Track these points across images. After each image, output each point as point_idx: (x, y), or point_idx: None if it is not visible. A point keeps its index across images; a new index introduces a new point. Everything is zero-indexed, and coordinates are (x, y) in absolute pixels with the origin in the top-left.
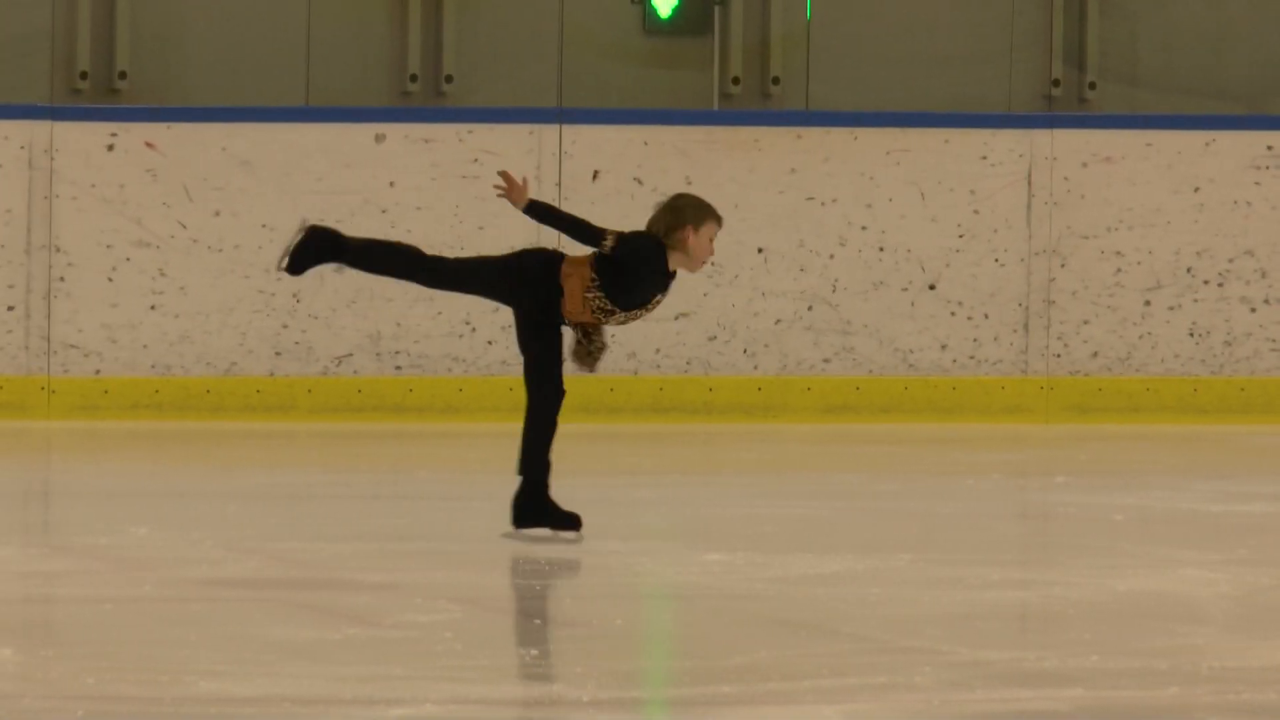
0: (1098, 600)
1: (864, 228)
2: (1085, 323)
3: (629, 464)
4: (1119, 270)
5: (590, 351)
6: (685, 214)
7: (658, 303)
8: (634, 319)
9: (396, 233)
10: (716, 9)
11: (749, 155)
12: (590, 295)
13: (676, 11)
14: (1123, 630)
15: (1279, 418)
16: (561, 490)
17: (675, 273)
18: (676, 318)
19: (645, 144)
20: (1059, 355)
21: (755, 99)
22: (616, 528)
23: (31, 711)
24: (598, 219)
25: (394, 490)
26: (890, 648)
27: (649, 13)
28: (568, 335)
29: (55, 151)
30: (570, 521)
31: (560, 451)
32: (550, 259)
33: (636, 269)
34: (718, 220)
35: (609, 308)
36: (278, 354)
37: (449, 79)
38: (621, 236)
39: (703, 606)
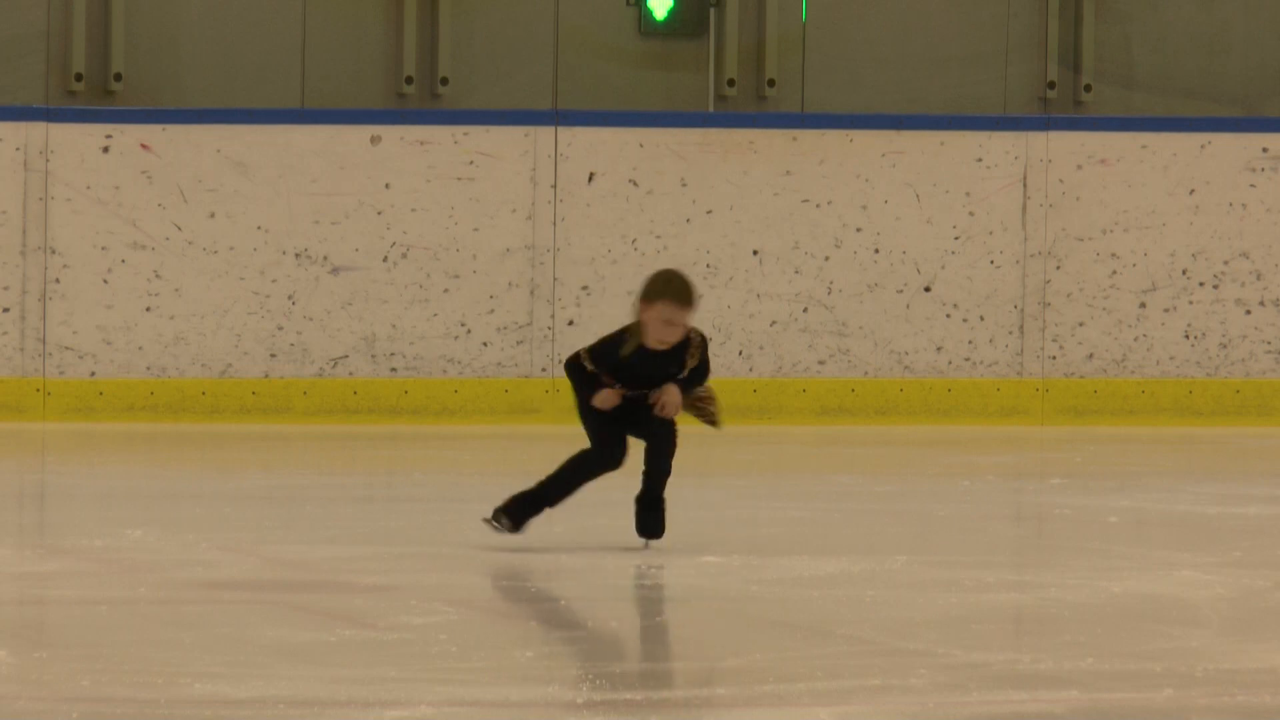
0: (1093, 602)
1: (859, 230)
2: (1080, 325)
3: (626, 466)
4: (1114, 272)
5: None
6: (645, 289)
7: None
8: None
9: (392, 234)
10: (712, 11)
11: (744, 157)
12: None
13: (672, 13)
14: (1118, 632)
15: (1274, 420)
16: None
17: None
18: None
19: (641, 146)
20: (1054, 357)
21: (751, 101)
22: (612, 530)
23: (26, 713)
24: (593, 221)
25: (389, 492)
26: (886, 650)
27: (645, 15)
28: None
29: (50, 153)
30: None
31: (554, 453)
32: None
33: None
34: (674, 300)
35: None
36: (273, 356)
37: (444, 81)
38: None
39: (698, 608)
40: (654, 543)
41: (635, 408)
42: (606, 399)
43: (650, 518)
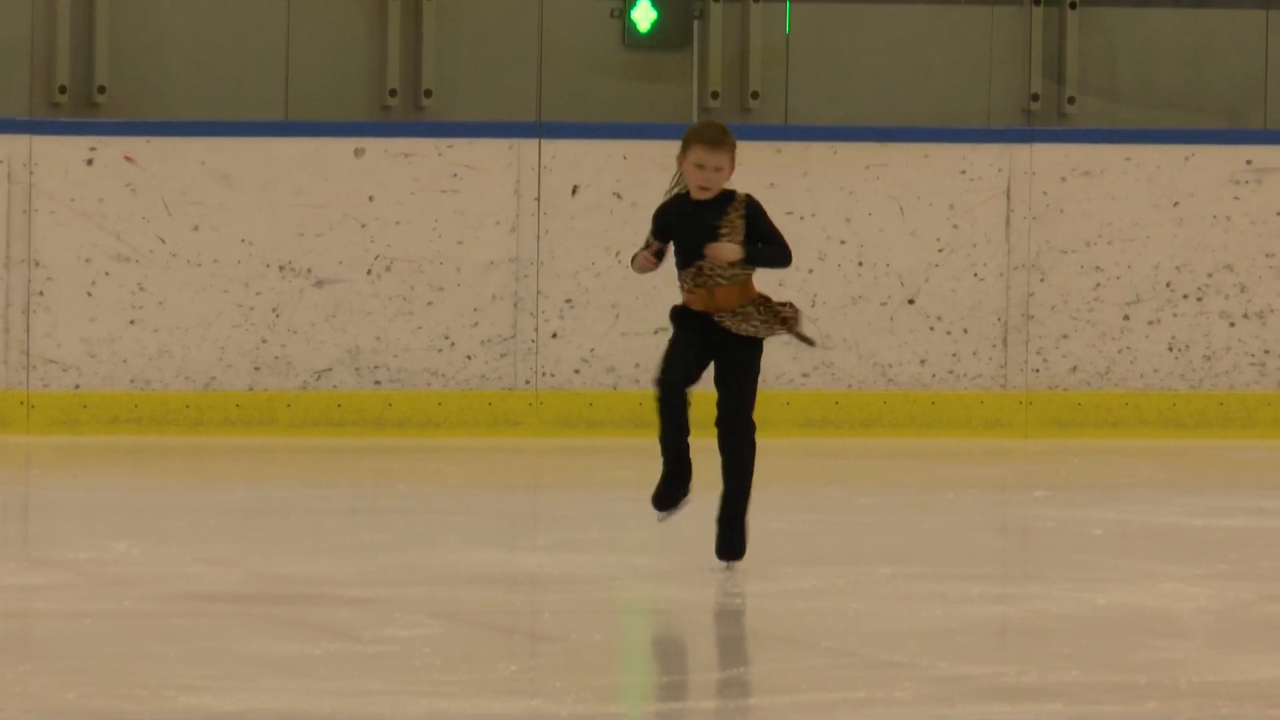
0: (1078, 615)
1: (843, 242)
2: (1064, 337)
3: (609, 478)
4: (1098, 285)
5: (774, 321)
6: (682, 142)
7: (723, 239)
8: (723, 274)
9: (376, 247)
10: (695, 23)
11: None
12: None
13: (656, 26)
14: (1103, 645)
15: (1258, 432)
16: (545, 505)
17: (705, 202)
18: (656, 332)
19: (625, 158)
20: (1038, 370)
21: (734, 113)
22: (597, 542)
23: None
24: (577, 233)
25: (374, 505)
26: (871, 662)
27: (628, 27)
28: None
29: (34, 165)
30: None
31: (541, 466)
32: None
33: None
34: (702, 142)
35: (681, 279)
36: (257, 368)
37: (428, 93)
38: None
39: (682, 621)
40: (734, 564)
41: (712, 340)
42: (642, 261)
43: (727, 537)
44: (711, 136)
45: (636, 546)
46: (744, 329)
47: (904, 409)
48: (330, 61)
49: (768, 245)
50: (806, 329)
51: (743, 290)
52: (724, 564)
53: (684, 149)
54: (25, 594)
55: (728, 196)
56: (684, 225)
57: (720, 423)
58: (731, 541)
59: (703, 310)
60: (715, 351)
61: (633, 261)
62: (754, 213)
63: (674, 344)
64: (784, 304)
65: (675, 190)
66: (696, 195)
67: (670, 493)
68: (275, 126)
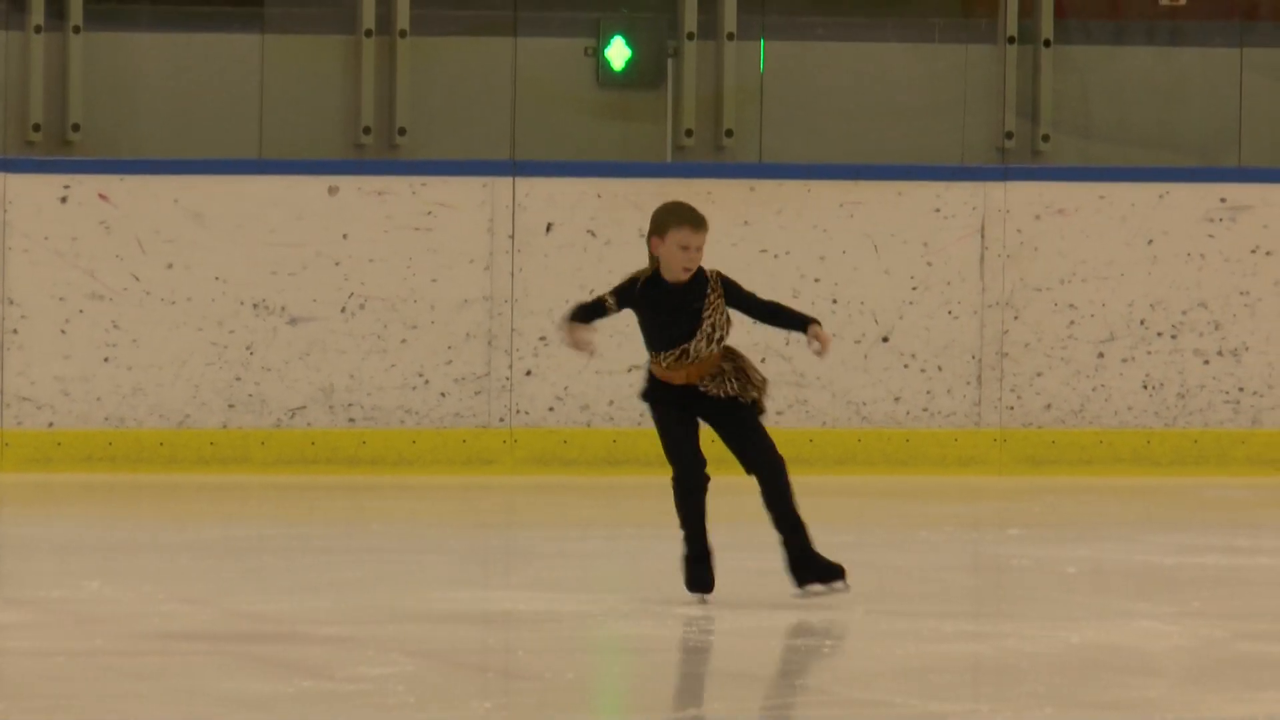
0: (1051, 652)
1: (817, 280)
2: (1038, 375)
3: (582, 516)
4: (1072, 322)
5: (726, 379)
6: (652, 225)
7: (706, 321)
8: (705, 352)
9: (350, 285)
10: (670, 62)
11: (702, 208)
12: (651, 360)
13: (630, 64)
14: (1076, 683)
15: (1232, 470)
16: (519, 543)
17: (682, 284)
18: (630, 370)
19: (599, 196)
20: (1012, 408)
21: (709, 151)
22: (570, 580)
23: None
24: (551, 271)
25: (347, 543)
26: (844, 700)
27: (603, 65)
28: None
29: (8, 204)
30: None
31: (515, 504)
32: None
33: (637, 310)
34: (689, 224)
35: (658, 358)
36: (231, 406)
37: (402, 131)
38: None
39: (656, 659)
40: (836, 586)
41: (700, 405)
42: (579, 342)
43: (812, 566)
44: (696, 218)
45: (610, 585)
46: (725, 389)
47: (878, 447)
48: (304, 99)
49: (782, 309)
50: (766, 402)
51: (718, 355)
52: (825, 588)
53: (662, 231)
54: None
55: (699, 276)
56: (662, 307)
57: (760, 481)
58: (821, 567)
59: (684, 383)
60: (705, 415)
61: (571, 333)
62: (729, 285)
63: (669, 431)
64: (755, 373)
65: (642, 274)
66: (680, 277)
67: (700, 574)
68: (249, 165)
